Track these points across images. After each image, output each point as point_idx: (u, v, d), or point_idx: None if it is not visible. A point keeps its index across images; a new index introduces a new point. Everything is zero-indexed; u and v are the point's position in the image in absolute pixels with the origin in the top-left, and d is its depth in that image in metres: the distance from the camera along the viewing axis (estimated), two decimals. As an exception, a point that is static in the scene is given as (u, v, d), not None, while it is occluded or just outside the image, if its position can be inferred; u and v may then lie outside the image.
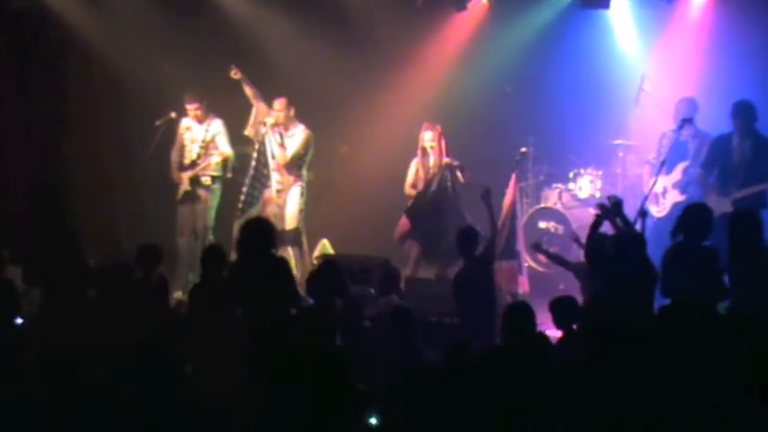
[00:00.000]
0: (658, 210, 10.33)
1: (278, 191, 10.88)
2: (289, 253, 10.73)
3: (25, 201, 11.42)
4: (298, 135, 10.81)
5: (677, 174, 10.28)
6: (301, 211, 10.87)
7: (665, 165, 9.84)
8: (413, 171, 10.59)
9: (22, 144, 11.44)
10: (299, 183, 10.87)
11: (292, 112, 10.82)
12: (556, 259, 9.14)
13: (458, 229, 8.94)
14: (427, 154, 10.46)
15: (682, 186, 10.26)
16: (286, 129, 10.81)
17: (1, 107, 11.31)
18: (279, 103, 10.79)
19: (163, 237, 10.73)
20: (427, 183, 10.46)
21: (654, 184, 9.80)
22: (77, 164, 11.73)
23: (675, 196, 10.27)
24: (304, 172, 10.93)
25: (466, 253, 8.64)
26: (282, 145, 10.80)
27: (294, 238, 10.81)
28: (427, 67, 12.08)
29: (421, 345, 7.24)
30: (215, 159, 10.91)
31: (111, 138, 11.83)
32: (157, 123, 10.95)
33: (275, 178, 10.88)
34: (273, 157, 10.90)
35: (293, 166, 10.85)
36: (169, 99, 11.00)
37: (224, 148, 10.96)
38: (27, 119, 11.51)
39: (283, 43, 11.85)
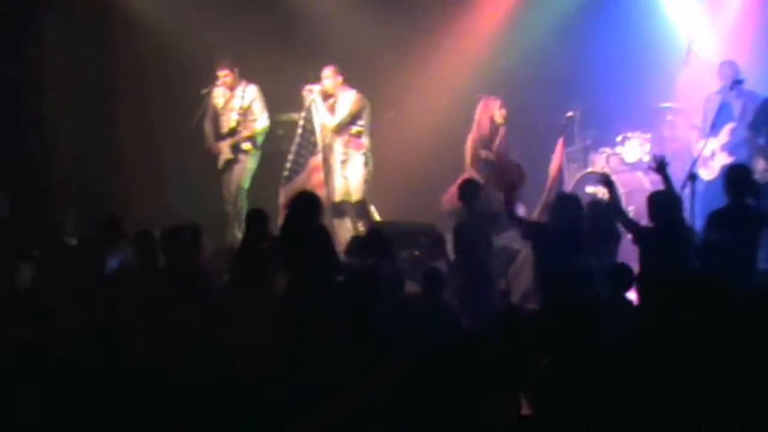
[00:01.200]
0: (708, 173, 10.21)
1: (343, 162, 10.85)
2: (347, 226, 10.76)
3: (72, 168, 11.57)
4: (347, 99, 10.76)
5: (724, 136, 10.15)
6: (366, 182, 10.85)
7: (715, 128, 9.73)
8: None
9: (71, 111, 11.55)
10: (362, 151, 10.84)
11: (339, 80, 10.79)
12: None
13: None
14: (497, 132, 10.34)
15: (730, 148, 10.13)
16: (335, 96, 10.80)
17: (49, 75, 11.40)
18: (328, 71, 10.77)
19: (208, 202, 11.02)
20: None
21: (704, 147, 9.70)
22: (124, 131, 11.89)
23: (723, 159, 10.14)
24: (365, 140, 10.87)
25: (464, 204, 8.74)
26: (332, 109, 10.78)
27: (359, 210, 10.82)
28: (474, 31, 11.95)
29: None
30: (254, 125, 10.94)
31: (157, 107, 11.92)
32: (203, 92, 11.02)
33: (338, 149, 10.85)
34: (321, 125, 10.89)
35: (345, 132, 10.81)
36: (213, 66, 11.02)
37: (260, 115, 10.98)
38: (75, 86, 11.61)
39: (328, 10, 11.81)
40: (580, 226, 7.97)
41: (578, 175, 11.24)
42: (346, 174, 10.87)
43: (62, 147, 11.64)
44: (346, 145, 10.85)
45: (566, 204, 8.29)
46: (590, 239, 7.98)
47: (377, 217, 11.01)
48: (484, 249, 8.62)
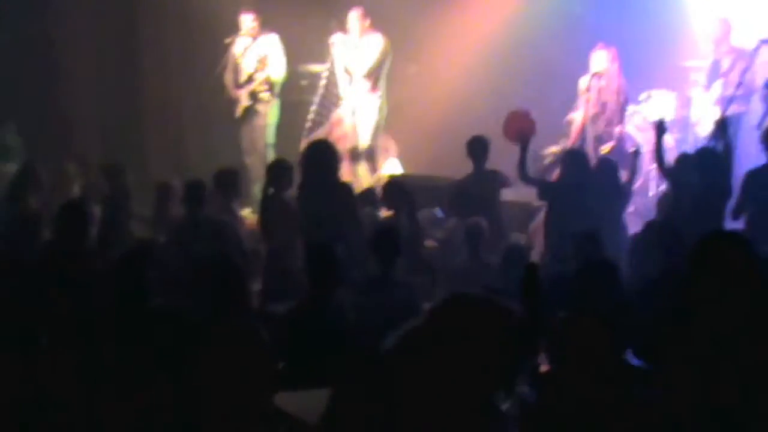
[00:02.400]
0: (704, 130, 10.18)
1: (355, 106, 10.73)
2: (365, 169, 10.66)
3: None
4: (376, 43, 10.61)
5: (715, 91, 10.15)
6: (378, 127, 10.73)
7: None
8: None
9: (90, 59, 11.54)
10: (377, 94, 10.69)
11: (367, 23, 10.64)
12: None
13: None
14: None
15: (720, 103, 10.07)
16: (361, 38, 10.64)
17: (70, 24, 11.41)
18: (354, 14, 10.62)
19: (231, 156, 10.83)
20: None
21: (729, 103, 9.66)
22: (144, 80, 11.84)
23: (716, 113, 9.98)
24: (382, 84, 10.73)
25: (473, 161, 8.53)
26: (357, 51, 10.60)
27: (368, 153, 10.71)
28: None
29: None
30: (271, 74, 10.82)
31: (178, 56, 11.91)
32: (227, 41, 10.93)
33: (354, 95, 10.70)
34: (347, 72, 10.73)
35: (371, 76, 10.67)
36: (236, 17, 10.95)
37: (278, 64, 10.84)
38: (95, 35, 11.60)
39: None
40: (588, 183, 7.91)
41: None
42: (359, 117, 10.72)
43: (82, 97, 11.61)
44: (367, 90, 10.70)
45: (575, 160, 8.23)
46: (599, 198, 7.90)
47: (399, 169, 10.89)
48: (487, 212, 8.28)
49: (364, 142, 10.71)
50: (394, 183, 8.81)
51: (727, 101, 9.81)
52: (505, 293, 5.49)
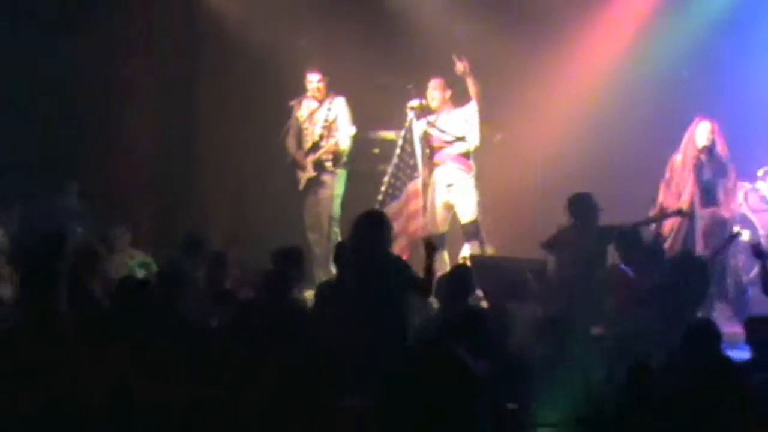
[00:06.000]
0: None
1: (449, 186, 9.93)
2: (444, 259, 9.82)
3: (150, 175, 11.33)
4: (470, 114, 9.75)
5: None
6: (479, 202, 9.96)
7: None
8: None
9: (151, 119, 11.21)
10: (472, 174, 9.91)
11: (447, 95, 9.85)
12: None
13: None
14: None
15: None
16: (440, 112, 9.85)
17: (126, 75, 11.17)
18: (435, 83, 9.83)
19: (290, 231, 10.27)
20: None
21: None
22: (205, 145, 11.51)
23: None
24: (472, 162, 9.94)
25: (581, 221, 8.30)
26: (432, 127, 9.84)
27: (473, 231, 9.95)
28: (594, 48, 11.02)
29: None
30: (337, 142, 10.20)
31: (240, 119, 11.40)
32: (291, 103, 10.35)
33: (444, 172, 9.91)
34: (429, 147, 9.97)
35: (455, 150, 9.89)
36: (302, 77, 10.33)
37: (345, 131, 10.21)
38: (156, 93, 11.26)
39: (432, 16, 11.00)
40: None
41: (711, 213, 10.34)
42: (453, 199, 9.94)
43: (140, 156, 11.31)
44: (453, 162, 9.92)
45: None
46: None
47: (488, 249, 10.10)
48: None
49: (467, 218, 9.95)
50: (463, 266, 8.33)
51: None
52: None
